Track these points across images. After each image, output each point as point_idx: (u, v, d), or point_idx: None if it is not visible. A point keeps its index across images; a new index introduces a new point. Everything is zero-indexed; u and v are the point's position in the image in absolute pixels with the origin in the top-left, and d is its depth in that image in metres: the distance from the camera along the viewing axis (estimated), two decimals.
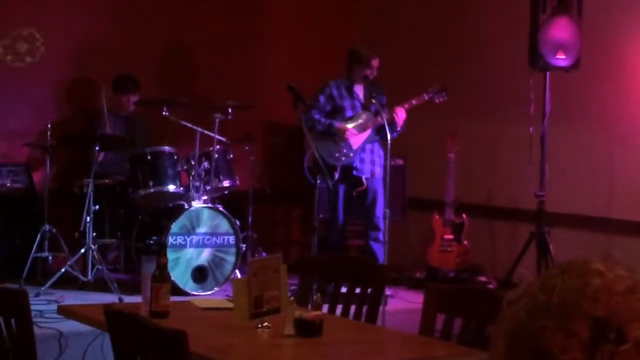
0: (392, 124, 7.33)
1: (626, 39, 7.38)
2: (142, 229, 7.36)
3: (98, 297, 6.76)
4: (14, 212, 7.60)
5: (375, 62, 7.55)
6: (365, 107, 7.62)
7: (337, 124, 7.51)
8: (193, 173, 7.40)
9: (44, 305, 6.44)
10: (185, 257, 7.17)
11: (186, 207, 7.23)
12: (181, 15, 8.68)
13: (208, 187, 7.46)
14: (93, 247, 7.06)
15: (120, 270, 7.88)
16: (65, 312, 4.62)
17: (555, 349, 1.32)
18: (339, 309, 4.56)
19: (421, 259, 8.12)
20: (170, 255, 6.92)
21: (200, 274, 7.22)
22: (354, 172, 7.58)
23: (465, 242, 7.97)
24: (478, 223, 8.12)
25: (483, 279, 7.88)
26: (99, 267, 7.04)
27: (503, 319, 1.39)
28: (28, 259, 7.12)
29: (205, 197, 7.39)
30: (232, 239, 7.33)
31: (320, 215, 7.48)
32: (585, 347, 1.31)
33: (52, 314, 5.89)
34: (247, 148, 8.13)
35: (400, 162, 8.34)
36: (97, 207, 7.26)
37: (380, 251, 7.32)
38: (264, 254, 7.85)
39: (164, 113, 7.43)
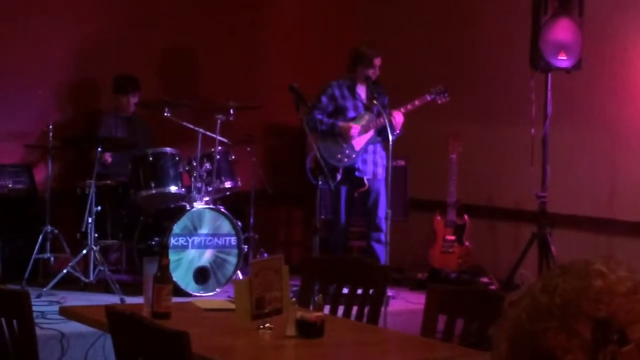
0: (390, 127, 7.32)
1: (627, 39, 7.38)
2: (144, 230, 7.36)
3: (100, 298, 6.77)
4: (16, 213, 7.61)
5: (377, 62, 7.55)
6: (368, 107, 7.61)
7: (341, 123, 7.52)
8: (195, 174, 7.40)
9: (46, 306, 6.44)
10: (187, 258, 7.17)
11: (188, 208, 7.23)
12: (183, 17, 8.68)
13: (210, 188, 7.47)
14: (95, 248, 7.06)
15: (122, 271, 7.88)
16: (67, 313, 4.62)
17: (558, 350, 1.32)
18: (340, 310, 4.56)
19: (423, 260, 8.12)
20: (172, 256, 6.92)
21: (202, 275, 7.22)
22: (356, 173, 7.58)
23: (467, 243, 7.97)
24: (480, 224, 8.12)
25: (485, 280, 7.88)
26: (101, 268, 7.04)
27: (505, 320, 1.39)
28: (30, 260, 7.12)
29: (207, 198, 7.39)
30: (233, 240, 7.33)
31: (322, 217, 7.48)
32: (587, 348, 1.31)
33: (54, 315, 5.90)
34: (248, 149, 8.13)
35: (402, 163, 8.34)
36: (99, 208, 7.27)
37: (382, 252, 7.32)
38: (265, 255, 7.85)
39: (165, 114, 7.44)
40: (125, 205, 7.49)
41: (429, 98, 7.57)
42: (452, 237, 7.96)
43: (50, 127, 7.43)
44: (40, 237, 7.21)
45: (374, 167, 7.64)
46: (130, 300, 6.44)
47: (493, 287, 7.63)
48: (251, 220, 8.06)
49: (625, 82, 7.40)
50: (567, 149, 7.64)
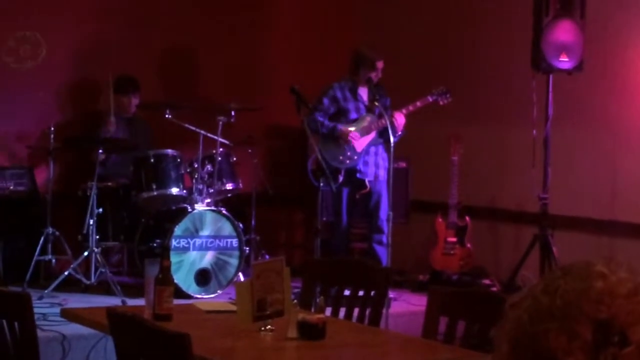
0: (392, 128, 7.33)
1: (629, 41, 7.38)
2: (146, 231, 7.36)
3: (101, 300, 6.76)
4: (17, 215, 7.61)
5: (380, 64, 7.55)
6: (369, 109, 7.61)
7: (341, 127, 7.51)
8: (196, 176, 7.40)
9: (47, 308, 6.44)
10: (188, 260, 7.17)
11: (189, 210, 7.23)
12: (183, 18, 8.68)
13: (211, 190, 7.47)
14: (96, 250, 7.06)
15: (124, 273, 7.88)
16: (69, 315, 4.62)
17: (559, 352, 1.32)
18: (342, 311, 4.56)
19: (424, 261, 8.12)
20: (174, 258, 6.92)
21: (203, 277, 7.22)
22: (358, 175, 7.58)
23: (469, 245, 7.97)
24: (481, 226, 8.12)
25: (486, 281, 7.88)
26: (102, 270, 7.03)
27: (506, 321, 1.39)
28: (31, 262, 7.12)
29: (208, 200, 7.39)
30: (235, 241, 7.33)
31: (324, 218, 7.48)
32: (588, 350, 1.31)
33: (55, 316, 5.90)
34: (250, 151, 8.13)
35: (403, 164, 8.33)
36: (100, 210, 7.27)
37: (384, 254, 7.31)
38: (267, 256, 7.85)
39: (167, 116, 7.44)
40: (127, 207, 7.49)
41: (430, 99, 7.57)
42: (454, 239, 7.96)
43: (52, 128, 7.43)
44: (42, 238, 7.20)
45: (376, 168, 7.64)
46: (131, 302, 6.43)
47: (494, 288, 7.62)
48: (252, 222, 8.06)
49: (626, 84, 7.40)
50: (568, 151, 7.64)
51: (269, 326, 3.82)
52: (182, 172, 7.48)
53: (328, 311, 4.31)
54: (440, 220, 7.99)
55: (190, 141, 7.59)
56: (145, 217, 7.42)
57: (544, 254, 7.24)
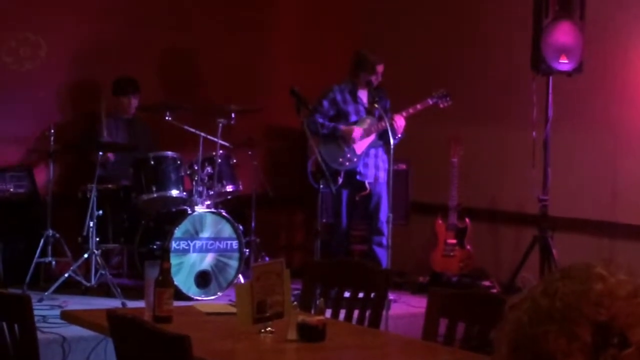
0: (392, 131, 7.33)
1: (629, 42, 7.38)
2: (146, 233, 7.36)
3: (101, 302, 6.76)
4: (17, 217, 7.61)
5: (380, 68, 7.56)
6: (369, 112, 7.62)
7: (342, 126, 7.52)
8: (196, 178, 7.40)
9: (47, 310, 6.44)
10: (188, 262, 7.17)
11: (189, 212, 7.23)
12: (184, 20, 8.68)
13: (211, 192, 7.47)
14: (96, 252, 7.06)
15: (124, 275, 7.88)
16: (69, 317, 4.62)
17: (558, 354, 1.32)
18: (342, 313, 4.56)
19: (424, 263, 8.12)
20: (174, 260, 6.91)
21: (203, 279, 7.22)
22: (358, 177, 7.58)
23: (469, 247, 7.97)
24: (481, 227, 8.12)
25: (486, 283, 7.88)
26: (102, 272, 7.03)
27: (506, 323, 1.39)
28: (31, 264, 7.12)
29: (208, 202, 7.40)
30: (235, 243, 7.33)
31: (324, 220, 7.47)
32: (588, 352, 1.31)
33: (55, 319, 5.90)
34: (250, 153, 8.13)
35: (403, 166, 8.33)
36: (100, 212, 7.27)
37: (384, 256, 7.31)
38: (267, 258, 7.84)
39: (166, 118, 7.45)
40: (127, 209, 7.49)
41: (430, 102, 7.57)
42: (454, 241, 7.96)
43: (52, 130, 7.43)
44: (42, 241, 7.21)
45: (376, 170, 7.64)
46: (131, 304, 6.43)
47: (494, 290, 7.62)
48: (252, 224, 8.06)
49: (626, 85, 7.40)
50: (568, 152, 7.64)
51: (269, 328, 3.82)
52: (182, 174, 7.48)
53: (328, 313, 4.31)
54: (440, 222, 7.99)
55: (190, 143, 7.60)
56: (145, 219, 7.42)
57: (544, 255, 7.24)
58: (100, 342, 5.74)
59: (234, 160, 7.77)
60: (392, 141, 6.87)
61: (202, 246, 7.23)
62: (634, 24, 7.36)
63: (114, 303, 6.54)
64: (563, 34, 7.18)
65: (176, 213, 7.34)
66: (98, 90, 8.19)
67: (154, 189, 7.35)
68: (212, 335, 3.91)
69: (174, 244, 7.09)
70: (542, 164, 7.32)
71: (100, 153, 7.25)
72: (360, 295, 4.49)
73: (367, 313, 4.40)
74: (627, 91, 7.39)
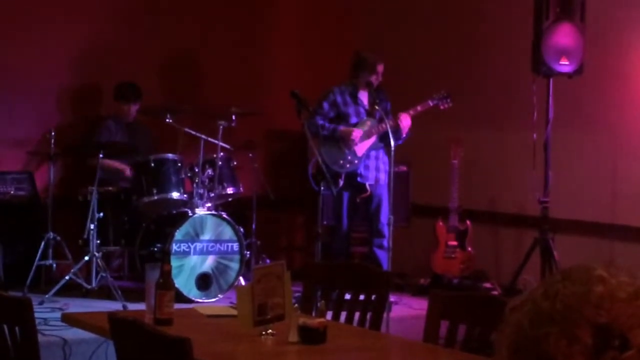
0: (397, 131, 7.33)
1: (629, 44, 7.38)
2: (146, 236, 7.36)
3: (102, 304, 6.77)
4: (18, 219, 7.61)
5: (380, 68, 7.56)
6: (370, 113, 7.62)
7: (342, 128, 7.52)
8: (197, 180, 7.40)
9: (48, 312, 6.44)
10: (189, 264, 7.17)
11: (190, 214, 7.23)
12: (185, 23, 8.69)
13: (212, 194, 7.47)
14: (97, 254, 7.06)
15: (124, 277, 7.89)
16: (70, 319, 4.62)
17: (559, 356, 1.32)
18: (343, 315, 4.56)
19: (425, 265, 8.11)
20: (174, 262, 6.91)
21: (204, 281, 7.22)
22: (358, 179, 7.58)
23: (469, 249, 7.97)
24: (482, 229, 8.12)
25: (487, 285, 7.87)
26: (103, 274, 7.04)
27: (506, 325, 1.39)
28: (32, 266, 7.13)
29: (209, 204, 7.40)
30: (235, 246, 7.33)
31: (324, 222, 7.47)
32: (588, 354, 1.31)
33: (56, 321, 5.90)
34: (250, 155, 8.14)
35: (404, 168, 8.33)
36: (101, 214, 7.27)
37: (385, 258, 7.31)
38: (267, 261, 7.84)
39: (167, 120, 7.45)
40: (128, 211, 7.50)
41: (431, 104, 7.57)
42: (455, 243, 7.96)
43: (52, 133, 7.43)
44: (43, 243, 7.21)
45: (376, 172, 7.64)
46: (132, 306, 6.44)
47: (495, 292, 7.62)
48: (253, 226, 8.06)
49: (626, 87, 7.40)
50: (569, 154, 7.64)
51: (270, 330, 3.82)
52: (183, 176, 7.48)
53: (329, 315, 4.31)
54: (441, 224, 7.99)
55: (191, 146, 7.60)
56: (146, 221, 7.42)
57: (545, 257, 7.24)
58: (101, 345, 5.74)
59: (235, 163, 7.77)
60: (393, 142, 6.87)
61: (202, 248, 7.23)
62: (635, 26, 7.36)
63: (114, 305, 6.54)
64: (563, 35, 7.17)
65: (177, 215, 7.34)
66: (99, 93, 8.21)
67: (154, 191, 7.35)
68: (213, 338, 3.91)
69: (174, 247, 7.09)
70: (542, 166, 7.32)
71: (101, 155, 7.25)
72: (361, 297, 4.49)
73: (368, 315, 4.40)
74: (628, 93, 7.39)
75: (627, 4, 7.41)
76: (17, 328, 3.70)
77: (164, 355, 3.12)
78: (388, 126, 7.14)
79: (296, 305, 4.03)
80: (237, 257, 7.34)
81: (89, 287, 7.09)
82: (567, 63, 7.16)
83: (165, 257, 4.25)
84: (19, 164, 7.95)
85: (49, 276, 7.44)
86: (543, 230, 7.30)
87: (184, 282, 7.07)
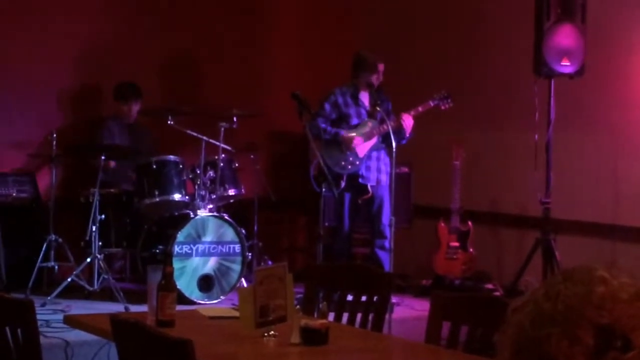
0: (400, 131, 7.34)
1: (631, 44, 7.38)
2: (148, 238, 7.37)
3: (104, 306, 6.77)
4: (20, 221, 7.61)
5: (381, 68, 7.56)
6: (371, 114, 7.62)
7: (343, 133, 7.52)
8: (198, 182, 7.40)
9: (50, 314, 6.44)
10: (191, 266, 7.17)
11: (192, 216, 7.23)
12: (186, 24, 8.70)
13: (213, 196, 7.47)
14: (99, 256, 7.06)
15: (126, 279, 7.89)
16: (72, 321, 4.62)
17: (560, 357, 1.32)
18: (345, 317, 4.56)
19: (427, 266, 8.11)
20: (176, 264, 6.91)
21: (206, 283, 7.22)
22: (360, 180, 7.58)
23: (471, 250, 7.97)
24: (484, 230, 8.12)
25: (489, 286, 7.88)
26: (105, 276, 7.04)
27: (508, 326, 1.39)
28: (34, 268, 7.13)
29: (210, 206, 7.40)
30: (237, 247, 7.33)
31: (326, 224, 7.47)
32: (590, 355, 1.31)
33: (58, 323, 5.90)
34: (252, 156, 8.14)
35: (405, 169, 8.33)
36: (102, 216, 7.27)
37: (386, 259, 7.31)
38: (269, 262, 7.84)
39: (169, 122, 7.45)
40: (129, 213, 7.50)
41: (432, 104, 7.57)
42: (456, 244, 7.96)
43: (54, 135, 7.43)
44: (44, 245, 7.21)
45: (378, 173, 7.64)
46: (134, 308, 6.44)
47: (497, 293, 7.62)
48: (255, 228, 8.06)
49: (628, 88, 7.40)
50: (570, 155, 7.63)
51: (272, 332, 3.82)
52: (185, 178, 7.48)
53: (331, 316, 4.31)
54: (442, 225, 7.99)
55: (192, 147, 7.60)
56: (147, 223, 7.42)
57: (547, 258, 7.24)
58: (103, 347, 5.74)
59: (236, 164, 7.77)
60: (394, 143, 6.87)
61: (204, 250, 7.23)
62: (636, 27, 7.36)
63: (116, 307, 6.54)
64: (565, 36, 7.17)
65: (178, 217, 7.34)
66: (100, 94, 8.22)
67: (156, 193, 7.35)
68: (215, 339, 3.91)
69: (176, 248, 7.09)
70: (544, 167, 7.32)
71: (103, 157, 7.25)
72: (363, 298, 4.49)
73: (370, 316, 4.40)
74: (629, 93, 7.39)
75: (628, 4, 7.41)
76: (19, 330, 3.70)
77: (166, 357, 3.12)
78: (390, 127, 7.15)
79: (298, 306, 4.03)
80: (239, 258, 7.34)
81: (91, 289, 7.09)
82: (568, 64, 7.16)
83: (167, 258, 4.25)
84: (21, 166, 7.95)
85: (51, 278, 7.44)
86: (545, 231, 7.30)
87: (186, 283, 7.07)
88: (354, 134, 7.53)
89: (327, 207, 7.46)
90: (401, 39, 8.88)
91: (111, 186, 7.57)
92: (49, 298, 6.88)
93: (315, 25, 9.32)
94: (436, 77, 8.44)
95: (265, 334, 3.81)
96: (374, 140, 7.60)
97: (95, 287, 7.08)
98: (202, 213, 7.27)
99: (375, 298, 4.43)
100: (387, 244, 7.35)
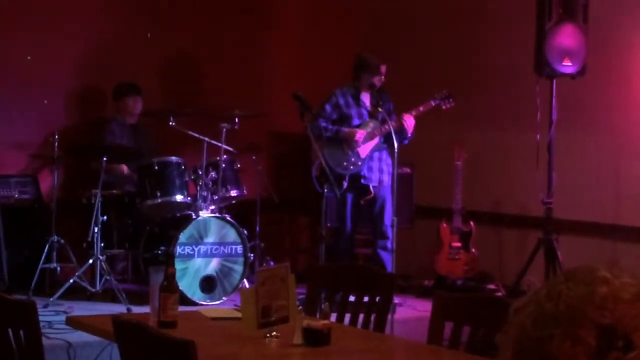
0: (401, 131, 7.34)
1: (632, 45, 7.38)
2: (150, 239, 7.37)
3: (106, 307, 6.77)
4: (22, 223, 7.62)
5: (382, 69, 7.56)
6: (372, 115, 7.62)
7: (345, 129, 7.52)
8: (200, 183, 7.40)
9: (53, 316, 6.44)
10: (193, 267, 7.17)
11: (194, 217, 7.23)
12: (187, 25, 8.70)
13: (215, 197, 7.47)
14: (101, 257, 7.06)
15: (129, 280, 7.89)
16: (74, 322, 4.62)
17: (562, 357, 1.32)
18: (347, 317, 4.56)
19: (429, 267, 8.11)
20: (178, 265, 6.92)
21: (208, 284, 7.23)
22: (362, 181, 7.58)
23: (473, 250, 7.97)
24: (486, 230, 8.11)
25: (491, 286, 7.87)
26: (107, 277, 7.04)
27: (510, 327, 1.39)
28: (36, 270, 7.13)
29: (212, 207, 7.40)
30: (239, 248, 7.33)
31: (328, 224, 7.47)
32: (592, 355, 1.31)
33: (60, 324, 5.90)
34: (254, 157, 8.14)
35: (407, 170, 8.33)
36: (104, 217, 7.27)
37: (389, 259, 7.31)
38: (271, 263, 7.84)
39: (170, 123, 7.45)
40: (131, 214, 7.50)
41: (433, 104, 7.57)
42: (458, 244, 7.96)
43: (56, 137, 7.44)
44: (47, 247, 7.21)
45: (380, 174, 7.64)
46: (136, 309, 6.44)
47: (500, 293, 7.62)
48: (257, 229, 8.07)
49: (630, 87, 7.40)
50: (572, 155, 7.63)
51: (274, 333, 3.82)
52: (187, 179, 7.48)
53: (333, 317, 4.31)
54: (444, 225, 7.99)
55: (194, 148, 7.60)
56: (149, 224, 7.42)
57: (549, 258, 7.23)
58: (106, 348, 5.74)
59: (238, 165, 7.77)
60: (396, 143, 6.88)
61: (206, 251, 7.23)
62: (638, 27, 7.36)
63: (119, 308, 6.54)
64: (566, 36, 7.17)
65: (181, 218, 7.34)
66: (101, 95, 8.22)
67: (158, 194, 7.35)
68: (217, 340, 3.92)
69: (178, 249, 7.09)
70: (546, 167, 7.32)
71: (105, 159, 7.26)
72: (365, 299, 4.49)
73: (372, 317, 4.40)
74: (631, 93, 7.39)
75: (630, 4, 7.41)
76: (21, 331, 3.70)
77: (168, 358, 3.12)
78: (391, 127, 7.15)
79: (300, 307, 4.03)
80: (241, 259, 7.34)
81: (93, 290, 7.09)
82: (570, 64, 7.16)
83: (169, 259, 4.26)
84: (23, 167, 7.96)
85: (53, 279, 7.44)
86: (547, 231, 7.30)
87: (188, 284, 7.07)
88: (357, 129, 7.53)
89: (329, 208, 7.46)
90: (402, 39, 8.88)
91: (113, 187, 7.57)
92: (51, 299, 6.88)
93: (316, 25, 9.32)
94: (437, 77, 8.43)
95: (268, 335, 3.81)
96: (375, 141, 7.60)
97: (98, 288, 7.09)
98: (204, 214, 7.27)
99: (377, 298, 4.43)
100: (389, 244, 7.35)
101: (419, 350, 4.09)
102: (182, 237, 7.12)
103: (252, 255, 7.52)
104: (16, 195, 7.68)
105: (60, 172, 7.63)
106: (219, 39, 8.84)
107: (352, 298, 4.60)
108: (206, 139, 7.43)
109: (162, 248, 7.25)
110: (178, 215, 7.43)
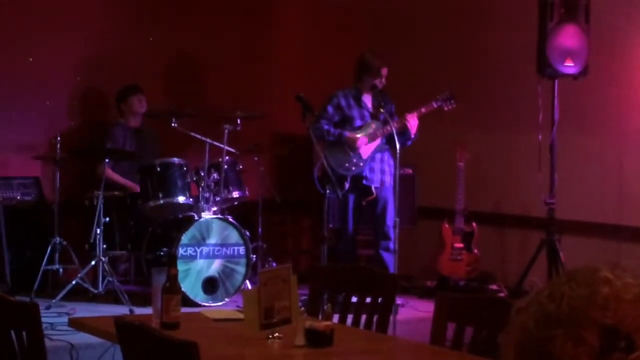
0: (405, 131, 7.34)
1: (634, 45, 7.38)
2: (152, 240, 7.37)
3: (109, 309, 6.77)
4: (25, 224, 7.62)
5: (384, 71, 7.56)
6: (374, 116, 7.62)
7: (347, 134, 7.52)
8: (202, 184, 7.40)
9: (55, 317, 6.45)
10: (195, 268, 7.17)
11: (196, 218, 7.24)
12: (189, 27, 8.70)
13: (218, 198, 7.47)
14: (103, 259, 7.07)
15: (131, 281, 7.89)
16: (76, 324, 4.62)
17: (565, 358, 1.32)
18: (349, 318, 4.56)
19: (431, 267, 8.11)
20: (181, 266, 6.92)
21: (210, 285, 7.23)
22: (364, 182, 7.58)
23: (476, 251, 7.97)
24: (488, 231, 8.11)
25: (494, 287, 7.87)
26: (110, 279, 7.04)
27: (512, 327, 1.39)
28: (39, 271, 7.13)
29: (215, 208, 7.40)
30: (242, 249, 7.34)
31: (330, 225, 7.48)
32: (595, 356, 1.31)
33: (63, 326, 5.91)
34: (256, 158, 8.14)
35: (409, 171, 8.33)
36: (107, 219, 7.28)
37: (391, 260, 7.31)
38: (274, 264, 7.85)
39: (172, 124, 7.45)
40: (134, 215, 7.50)
41: (435, 105, 7.57)
42: (461, 245, 7.95)
43: (58, 138, 7.44)
44: (49, 248, 7.21)
45: (382, 175, 7.63)
46: (139, 310, 6.44)
47: (502, 294, 7.62)
48: (259, 230, 8.07)
49: (632, 88, 7.39)
50: (574, 155, 7.63)
51: (277, 334, 3.82)
52: (189, 180, 7.48)
53: (335, 318, 4.31)
54: (446, 226, 7.99)
55: (196, 150, 7.61)
56: (152, 225, 7.42)
57: (551, 258, 7.23)
58: (108, 349, 5.74)
59: (240, 166, 7.77)
60: (398, 144, 6.88)
61: (209, 252, 7.23)
62: (639, 27, 7.35)
63: (121, 310, 6.55)
64: (568, 37, 7.17)
65: (183, 219, 7.34)
66: (104, 97, 8.22)
67: (160, 195, 7.36)
68: (220, 342, 3.92)
69: (180, 251, 7.10)
70: (548, 168, 7.32)
71: (107, 160, 7.27)
72: (368, 300, 4.49)
73: (375, 318, 4.40)
74: (633, 94, 7.39)
75: (631, 5, 7.40)
76: (24, 333, 3.70)
77: (170, 359, 3.12)
78: (393, 128, 7.15)
79: (302, 308, 4.03)
80: (243, 260, 7.34)
81: (95, 291, 7.09)
82: (572, 64, 7.16)
83: (171, 261, 4.25)
84: (25, 169, 7.96)
85: (56, 281, 7.45)
86: (549, 232, 7.30)
87: (190, 286, 7.07)
88: (358, 134, 7.53)
89: (331, 209, 7.47)
90: (403, 40, 8.88)
91: (115, 189, 7.58)
92: (53, 301, 6.89)
93: (317, 26, 9.33)
94: (439, 79, 8.43)
95: (270, 336, 3.81)
96: (377, 142, 7.59)
97: (100, 289, 7.09)
98: (207, 215, 7.27)
99: (379, 299, 4.43)
100: (391, 245, 7.35)
101: (421, 351, 4.09)
102: (185, 238, 7.13)
103: (254, 256, 7.52)
104: (19, 197, 7.69)
105: (62, 173, 7.63)
106: (221, 40, 8.84)
107: (354, 299, 4.60)
108: (208, 140, 7.43)
109: (165, 249, 7.25)
110: (180, 216, 7.43)
